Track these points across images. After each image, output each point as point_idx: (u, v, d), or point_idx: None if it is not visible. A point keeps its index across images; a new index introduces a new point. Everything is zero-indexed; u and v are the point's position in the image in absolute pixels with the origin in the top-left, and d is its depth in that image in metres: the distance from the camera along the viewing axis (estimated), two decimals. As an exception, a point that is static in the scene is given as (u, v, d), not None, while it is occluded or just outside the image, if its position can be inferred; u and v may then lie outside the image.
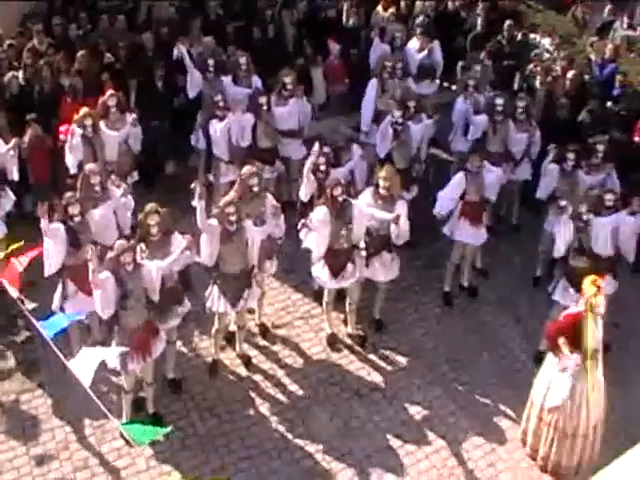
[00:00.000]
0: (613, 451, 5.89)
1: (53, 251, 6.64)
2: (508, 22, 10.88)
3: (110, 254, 6.22)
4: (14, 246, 6.38)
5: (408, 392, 7.14)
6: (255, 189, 7.01)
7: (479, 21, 11.23)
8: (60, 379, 6.60)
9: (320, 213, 7.01)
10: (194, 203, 6.63)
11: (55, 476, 6.26)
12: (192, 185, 6.68)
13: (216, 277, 6.85)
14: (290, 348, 7.53)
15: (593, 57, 10.61)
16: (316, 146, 7.63)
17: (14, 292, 6.08)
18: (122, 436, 6.35)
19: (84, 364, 5.36)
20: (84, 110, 8.01)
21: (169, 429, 5.35)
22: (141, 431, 5.06)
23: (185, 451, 6.48)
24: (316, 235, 7.16)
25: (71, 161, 8.06)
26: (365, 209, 7.14)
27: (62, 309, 6.79)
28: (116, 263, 6.08)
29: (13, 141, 7.79)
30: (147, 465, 6.35)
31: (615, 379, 6.56)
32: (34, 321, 5.74)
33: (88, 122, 7.93)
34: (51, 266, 6.68)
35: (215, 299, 6.88)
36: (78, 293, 6.73)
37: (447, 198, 7.83)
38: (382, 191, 7.23)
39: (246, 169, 7.16)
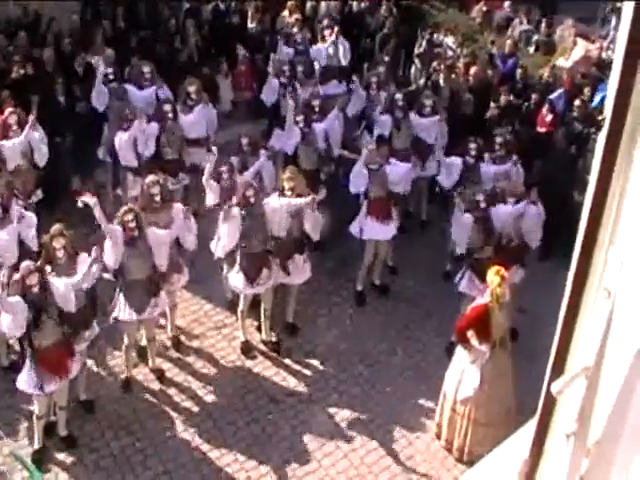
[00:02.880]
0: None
1: None
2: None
3: (16, 276, 6.05)
4: None
5: (324, 394, 7.16)
6: (157, 199, 6.93)
7: (387, 23, 11.40)
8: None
9: (233, 212, 7.00)
10: (85, 199, 6.47)
11: (-35, 511, 6.09)
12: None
13: (121, 285, 6.76)
14: (204, 359, 7.47)
15: (495, 51, 10.90)
16: (212, 155, 7.58)
17: None
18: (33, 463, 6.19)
19: None
20: None
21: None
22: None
23: (100, 472, 6.34)
24: (226, 230, 7.10)
25: None
26: (279, 201, 7.17)
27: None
28: (23, 285, 5.93)
29: None
30: (60, 491, 6.21)
31: (526, 363, 6.71)
32: None
33: None
34: None
35: (121, 308, 6.77)
36: None
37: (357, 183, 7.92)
38: (288, 193, 7.26)
39: (148, 179, 7.10)
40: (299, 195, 7.26)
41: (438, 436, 6.79)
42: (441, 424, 6.75)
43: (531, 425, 3.67)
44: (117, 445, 6.57)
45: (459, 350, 6.55)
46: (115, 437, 6.64)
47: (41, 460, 6.29)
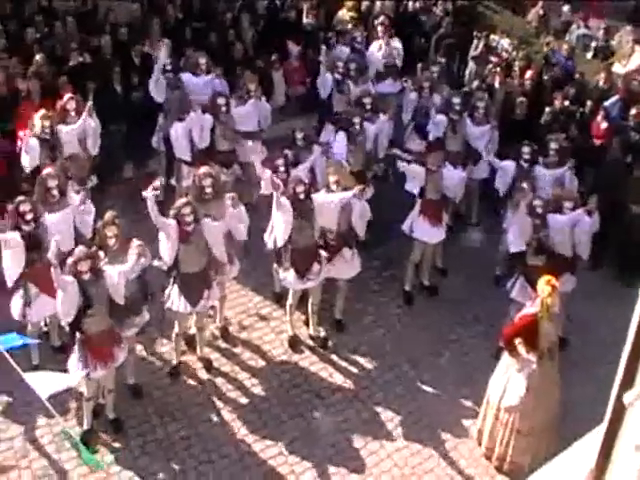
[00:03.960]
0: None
1: (11, 261, 6.55)
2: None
3: (69, 260, 6.13)
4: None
5: (369, 392, 7.16)
6: (208, 190, 6.97)
7: (444, 23, 11.34)
8: (18, 386, 6.49)
9: (284, 202, 7.04)
10: (145, 193, 6.52)
11: (14, 485, 6.18)
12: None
13: (175, 277, 6.82)
14: (251, 350, 7.51)
15: (554, 47, 10.79)
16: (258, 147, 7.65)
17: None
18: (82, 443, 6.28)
19: (44, 380, 5.37)
20: (41, 113, 7.90)
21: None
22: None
23: (145, 456, 6.43)
24: (280, 221, 7.12)
25: (27, 162, 7.92)
26: (326, 196, 7.19)
27: (24, 316, 6.73)
28: (75, 269, 6.01)
29: None
30: (107, 472, 6.26)
31: (568, 370, 6.62)
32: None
33: (46, 123, 7.82)
34: (11, 276, 6.60)
35: (175, 299, 6.84)
36: (40, 296, 6.66)
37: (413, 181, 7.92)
38: (334, 187, 7.27)
39: (200, 171, 7.14)
40: (345, 189, 7.28)
41: (479, 442, 6.70)
42: (482, 430, 6.66)
43: (596, 434, 3.63)
44: (162, 431, 6.65)
45: (505, 357, 6.46)
46: (161, 423, 6.71)
47: (89, 441, 6.38)
